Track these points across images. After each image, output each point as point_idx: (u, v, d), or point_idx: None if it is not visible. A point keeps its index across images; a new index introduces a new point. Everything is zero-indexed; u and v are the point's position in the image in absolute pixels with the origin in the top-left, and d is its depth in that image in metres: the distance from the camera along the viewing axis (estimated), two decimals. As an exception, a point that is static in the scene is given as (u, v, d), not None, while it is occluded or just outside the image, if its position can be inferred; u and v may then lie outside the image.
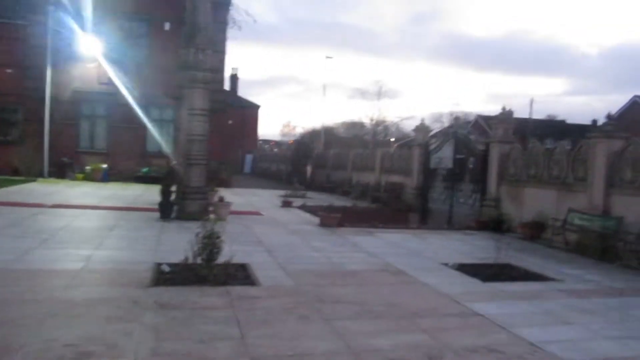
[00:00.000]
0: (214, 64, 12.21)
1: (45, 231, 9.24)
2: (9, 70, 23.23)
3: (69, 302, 5.27)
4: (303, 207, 16.37)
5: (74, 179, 22.96)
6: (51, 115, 23.44)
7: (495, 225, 12.57)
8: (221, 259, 6.83)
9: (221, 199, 12.57)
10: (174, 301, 5.55)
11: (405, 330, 5.06)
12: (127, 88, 23.08)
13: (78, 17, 22.80)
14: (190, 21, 12.08)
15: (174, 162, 24.99)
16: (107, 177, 23.43)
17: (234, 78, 58.56)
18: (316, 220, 12.82)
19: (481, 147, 14.26)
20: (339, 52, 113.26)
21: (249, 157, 51.66)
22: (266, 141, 71.73)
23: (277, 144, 62.10)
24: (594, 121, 53.72)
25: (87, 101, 24.19)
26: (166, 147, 24.90)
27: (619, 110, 46.14)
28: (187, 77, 12.04)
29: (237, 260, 7.38)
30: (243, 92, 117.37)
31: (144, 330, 4.61)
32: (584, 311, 6.04)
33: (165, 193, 12.01)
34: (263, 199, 19.05)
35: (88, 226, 10.27)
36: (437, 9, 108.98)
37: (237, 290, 6.18)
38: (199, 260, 6.79)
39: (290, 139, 66.16)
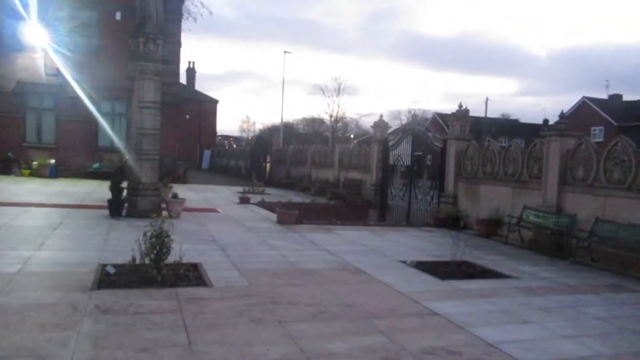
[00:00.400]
0: (165, 54, 11.70)
1: (-19, 230, 8.64)
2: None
3: (-1, 309, 4.84)
4: (261, 204, 16.05)
5: (20, 175, 21.85)
6: (-9, 109, 22.24)
7: (453, 222, 12.62)
8: (172, 258, 6.50)
9: (174, 196, 12.13)
10: (117, 306, 5.19)
11: (362, 332, 4.88)
12: (76, 80, 22.10)
13: (24, 4, 21.66)
14: (140, 9, 11.55)
15: (126, 157, 24.30)
16: (55, 172, 22.41)
17: (190, 72, 57.39)
18: (274, 217, 12.54)
19: (439, 144, 14.30)
20: (298, 48, 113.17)
21: (207, 153, 50.74)
22: (225, 137, 70.74)
23: (236, 139, 61.30)
24: (546, 121, 55.46)
25: (33, 93, 23.05)
26: (118, 141, 24.08)
27: (569, 110, 47.78)
28: (137, 68, 11.51)
29: (188, 259, 7.07)
30: (201, 86, 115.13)
31: (81, 339, 4.25)
32: (540, 309, 6.02)
33: (115, 190, 11.48)
34: (220, 196, 18.61)
35: (30, 225, 9.65)
36: (395, 7, 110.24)
37: (187, 292, 5.86)
38: (147, 261, 6.44)
39: (250, 135, 65.46)
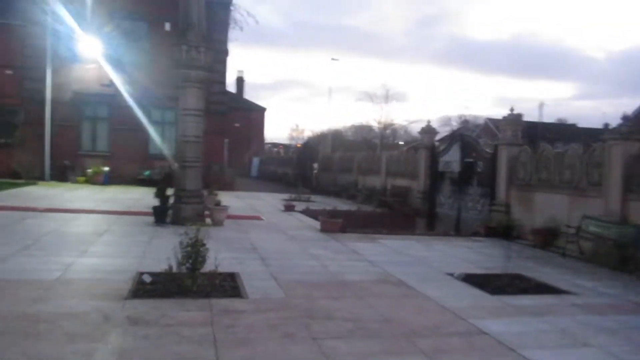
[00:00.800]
0: (208, 61, 11.71)
1: (31, 236, 8.80)
2: (9, 72, 22.97)
3: (32, 318, 4.79)
4: (305, 212, 15.85)
5: (75, 182, 22.62)
6: (52, 118, 23.15)
7: (505, 232, 11.98)
8: (208, 267, 6.35)
9: (217, 203, 12.08)
10: (148, 316, 5.05)
11: (402, 352, 4.53)
12: (128, 90, 22.75)
13: (78, 17, 22.49)
14: (182, 18, 11.63)
15: (175, 164, 24.74)
16: (108, 180, 23.09)
17: (239, 81, 58.34)
18: (317, 225, 12.29)
19: (489, 150, 13.66)
20: (346, 55, 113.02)
21: (255, 161, 51.26)
22: (275, 144, 71.36)
23: (285, 147, 61.60)
24: (606, 125, 52.73)
25: (88, 103, 23.86)
26: (168, 149, 24.57)
27: (633, 113, 45.25)
28: (179, 76, 11.57)
29: (226, 269, 6.93)
30: (250, 95, 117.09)
31: (107, 352, 4.11)
32: (602, 330, 5.46)
33: (160, 197, 11.55)
34: (265, 203, 18.56)
35: (77, 231, 9.82)
36: (444, 11, 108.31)
37: (221, 303, 5.67)
38: (183, 270, 6.31)
39: (298, 142, 65.68)
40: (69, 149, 23.33)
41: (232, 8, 29.38)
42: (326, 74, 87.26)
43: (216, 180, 24.57)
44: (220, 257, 7.82)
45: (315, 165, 31.03)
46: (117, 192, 19.58)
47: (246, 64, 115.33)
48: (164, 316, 5.10)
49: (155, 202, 11.58)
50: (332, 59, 42.64)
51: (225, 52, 25.26)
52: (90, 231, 9.85)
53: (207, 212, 11.91)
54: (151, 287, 6.13)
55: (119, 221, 11.39)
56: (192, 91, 11.59)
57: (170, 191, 11.75)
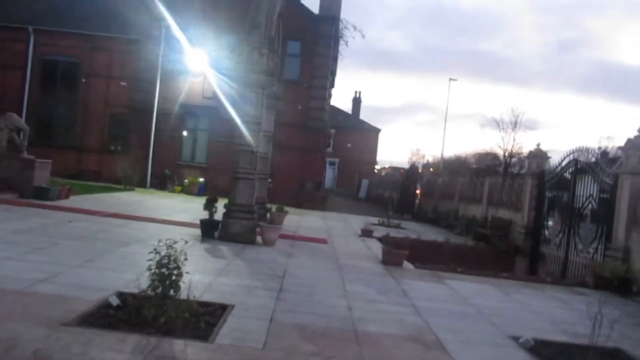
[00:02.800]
0: (271, 66, 10.70)
1: (52, 239, 8.25)
2: (123, 83, 24.26)
3: None
4: (382, 239, 14.13)
5: (173, 191, 23.07)
6: (157, 128, 23.97)
7: (621, 285, 9.34)
8: (210, 294, 5.15)
9: (270, 221, 10.91)
10: (60, 355, 3.91)
11: None
12: (228, 102, 22.81)
13: (187, 31, 23.12)
14: (249, 18, 10.77)
15: (269, 180, 24.23)
16: (203, 190, 23.21)
17: (356, 101, 57.92)
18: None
19: (608, 179, 10.95)
20: (476, 81, 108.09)
21: (365, 182, 50.01)
22: (396, 168, 69.49)
23: (395, 169, 59.68)
24: None
25: (191, 114, 24.38)
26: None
27: None
28: (239, 80, 10.72)
29: (224, 298, 5.75)
30: (376, 118, 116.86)
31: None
32: None
33: (209, 209, 10.70)
34: (346, 226, 17.12)
35: (108, 238, 9.16)
36: (586, 36, 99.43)
37: (170, 348, 4.38)
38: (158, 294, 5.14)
39: (402, 169, 62.93)
40: (170, 159, 23.92)
41: (340, 22, 28.83)
42: (455, 99, 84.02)
43: (308, 199, 23.83)
44: (229, 283, 6.62)
45: (418, 190, 28.96)
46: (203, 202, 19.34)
47: (374, 87, 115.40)
48: (81, 355, 3.93)
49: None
50: (450, 79, 40.05)
51: (325, 67, 24.49)
52: (123, 240, 9.15)
53: (258, 229, 10.81)
54: (111, 313, 5.03)
55: (167, 232, 10.68)
56: (251, 97, 10.64)
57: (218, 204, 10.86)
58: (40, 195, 13.42)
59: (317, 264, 9.06)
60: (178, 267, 5.17)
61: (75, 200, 14.47)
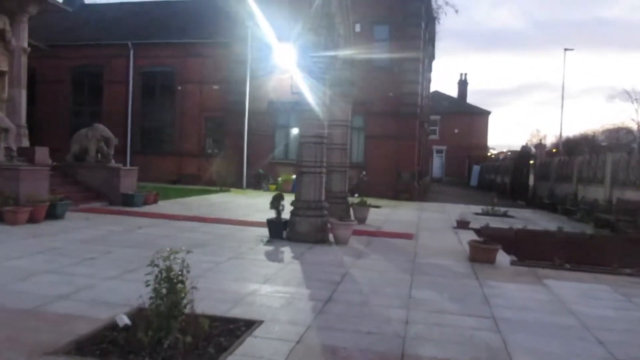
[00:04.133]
0: (330, 47, 9.65)
1: (109, 247, 7.98)
2: (215, 87, 24.62)
3: None
4: (480, 231, 12.52)
5: (267, 189, 22.95)
6: (249, 128, 24.01)
7: None
8: (241, 308, 4.38)
9: (341, 218, 9.90)
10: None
11: None
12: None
13: (273, 28, 22.81)
14: (306, -2, 9.83)
15: (364, 173, 23.28)
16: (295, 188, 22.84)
17: (462, 84, 54.81)
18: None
19: None
20: (599, 51, 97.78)
21: (476, 169, 46.94)
22: (515, 152, 64.50)
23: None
24: None
25: (281, 112, 24.09)
26: (357, 157, 23.30)
27: None
28: (299, 66, 9.85)
29: (257, 312, 4.94)
30: (491, 102, 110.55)
31: None
32: None
33: (276, 208, 9.97)
34: (442, 217, 15.58)
35: (167, 244, 8.68)
36: None
37: (153, 382, 3.59)
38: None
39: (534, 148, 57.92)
40: (264, 158, 23.82)
41: (433, 1, 26.99)
42: (575, 74, 76.21)
43: (405, 190, 22.46)
44: (272, 292, 5.80)
45: (532, 174, 26.19)
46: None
47: (486, 69, 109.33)
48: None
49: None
50: (565, 49, 35.93)
51: (416, 49, 22.84)
52: (181, 245, 8.67)
53: (329, 226, 9.87)
54: (113, 336, 4.38)
55: (236, 234, 10.16)
56: (310, 83, 9.71)
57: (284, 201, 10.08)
58: (126, 202, 13.68)
59: (388, 265, 7.90)
60: (181, 281, 4.37)
61: (161, 206, 14.61)
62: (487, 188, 39.58)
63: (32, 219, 10.03)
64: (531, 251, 12.27)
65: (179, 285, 4.35)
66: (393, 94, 22.69)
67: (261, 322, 4.90)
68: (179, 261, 4.43)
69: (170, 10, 28.09)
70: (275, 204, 9.97)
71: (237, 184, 23.35)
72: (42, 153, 14.40)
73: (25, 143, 14.57)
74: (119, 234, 9.33)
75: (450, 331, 4.90)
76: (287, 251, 8.60)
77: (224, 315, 5.04)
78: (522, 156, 27.67)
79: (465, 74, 55.11)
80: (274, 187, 23.17)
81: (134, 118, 25.68)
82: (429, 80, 33.47)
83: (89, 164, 14.16)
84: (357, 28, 22.92)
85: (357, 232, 10.98)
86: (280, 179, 23.24)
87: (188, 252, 4.53)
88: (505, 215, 16.89)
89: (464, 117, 50.54)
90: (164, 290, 4.32)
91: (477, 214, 17.20)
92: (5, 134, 10.74)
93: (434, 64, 36.68)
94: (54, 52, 25.46)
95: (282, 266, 7.39)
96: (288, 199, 10.10)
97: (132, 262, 7.15)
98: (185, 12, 27.16)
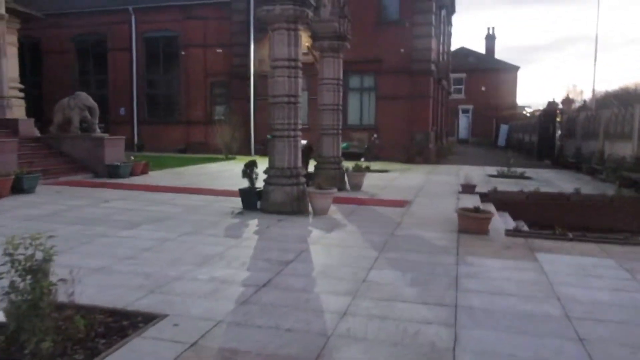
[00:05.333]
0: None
1: (54, 224, 7.27)
2: (218, 50, 23.61)
3: None
4: (490, 195, 11.43)
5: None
6: (255, 93, 23.04)
7: None
8: (157, 297, 3.62)
9: (319, 185, 8.94)
10: None
11: None
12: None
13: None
14: None
15: (375, 136, 22.11)
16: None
17: (490, 39, 52.08)
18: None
19: None
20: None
21: (503, 128, 44.87)
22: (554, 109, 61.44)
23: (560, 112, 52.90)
24: None
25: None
26: (367, 119, 22.17)
27: None
28: (261, 17, 8.77)
29: (169, 303, 4.12)
30: (524, 58, 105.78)
31: None
32: None
33: (248, 176, 9.11)
34: (451, 181, 14.43)
35: (122, 219, 7.92)
36: None
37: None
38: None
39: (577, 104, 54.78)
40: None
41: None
42: (619, 25, 71.17)
43: (419, 153, 21.25)
44: (204, 276, 5.01)
45: (558, 132, 24.49)
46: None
47: (516, 24, 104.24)
48: None
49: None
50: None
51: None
52: (136, 220, 7.90)
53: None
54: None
55: (211, 206, 9.37)
56: (279, 37, 8.63)
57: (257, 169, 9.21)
58: (112, 173, 13.04)
59: (358, 239, 6.95)
60: (45, 275, 3.56)
61: (151, 176, 13.96)
62: (515, 148, 37.80)
63: (-6, 195, 9.47)
64: (542, 217, 11.15)
65: (39, 275, 3.53)
66: (405, 50, 21.23)
67: (165, 316, 4.09)
68: (45, 248, 3.58)
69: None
70: (248, 172, 9.12)
71: (244, 151, 22.53)
72: (25, 124, 13.88)
73: (12, 114, 14.02)
74: (77, 210, 8.64)
75: (392, 327, 3.97)
76: (252, 224, 7.75)
77: (125, 308, 4.24)
78: (548, 113, 25.85)
79: (493, 28, 52.52)
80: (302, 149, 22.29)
81: (139, 86, 25.02)
82: (449, 35, 31.54)
83: (73, 135, 13.54)
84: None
85: (343, 200, 10.08)
86: (288, 144, 22.31)
87: (50, 236, 3.65)
88: (521, 176, 15.64)
89: (492, 73, 48.10)
90: (22, 285, 3.52)
91: (491, 175, 16.00)
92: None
93: (456, 18, 34.57)
94: (57, 22, 24.88)
95: (236, 243, 6.54)
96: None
97: (67, 241, 6.41)
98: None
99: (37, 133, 13.89)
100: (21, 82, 21.45)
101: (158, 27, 24.57)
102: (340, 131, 12.41)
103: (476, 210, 7.48)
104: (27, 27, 22.42)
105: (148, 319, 4.06)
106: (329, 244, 6.57)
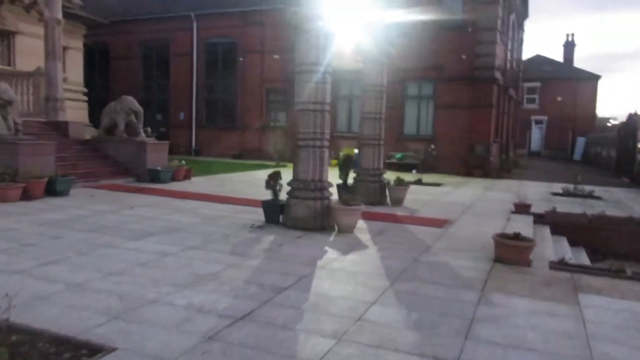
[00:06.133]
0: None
1: (60, 231, 7.07)
2: (275, 56, 23.45)
3: None
4: (546, 217, 10.26)
5: (330, 165, 21.56)
6: (310, 98, 22.64)
7: None
8: (108, 326, 3.27)
9: (346, 202, 8.23)
10: None
11: None
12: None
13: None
14: None
15: (432, 147, 21.07)
16: (357, 163, 21.19)
17: (568, 46, 48.97)
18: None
19: None
20: None
21: (580, 141, 42.00)
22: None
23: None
24: None
25: (343, 81, 22.42)
26: (425, 128, 21.18)
27: None
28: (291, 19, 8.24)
29: (122, 334, 3.68)
30: (603, 67, 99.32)
31: None
32: None
33: (272, 188, 8.59)
34: (506, 198, 13.22)
35: (135, 229, 7.63)
36: None
37: None
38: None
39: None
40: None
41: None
42: None
43: (480, 166, 19.98)
44: (182, 301, 4.51)
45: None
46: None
47: (598, 32, 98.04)
48: None
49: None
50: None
51: (494, 3, 19.92)
52: (149, 230, 7.58)
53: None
54: None
55: (233, 217, 8.94)
56: (301, 38, 8.09)
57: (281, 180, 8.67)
58: (153, 178, 12.99)
59: (376, 264, 6.20)
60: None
61: (192, 182, 13.81)
62: (592, 163, 35.21)
63: (27, 196, 9.52)
64: (607, 244, 9.91)
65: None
66: (466, 57, 20.08)
67: (112, 350, 3.60)
68: None
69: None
70: (271, 183, 8.60)
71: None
72: (75, 127, 14.16)
73: (63, 117, 14.38)
74: (97, 215, 8.46)
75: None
76: (266, 241, 7.20)
77: (76, 336, 3.79)
78: (628, 125, 23.62)
79: (572, 35, 49.23)
80: (335, 161, 21.71)
81: (198, 91, 25.37)
82: (520, 42, 29.78)
83: (118, 138, 13.64)
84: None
85: (377, 217, 9.35)
86: (341, 153, 21.69)
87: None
88: (590, 195, 14.14)
89: (569, 83, 45.16)
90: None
91: (555, 194, 14.62)
92: (9, 107, 10.29)
93: (531, 25, 32.65)
94: (125, 28, 25.76)
95: (237, 262, 6.01)
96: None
97: (65, 250, 6.14)
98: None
99: (86, 136, 14.12)
100: (90, 86, 22.34)
101: (218, 33, 24.81)
102: (382, 142, 11.68)
103: (516, 236, 6.52)
104: (97, 33, 23.36)
105: (93, 351, 3.59)
106: (338, 269, 5.89)
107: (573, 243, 9.57)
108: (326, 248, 6.91)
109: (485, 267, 6.18)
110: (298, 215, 7.97)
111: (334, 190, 10.82)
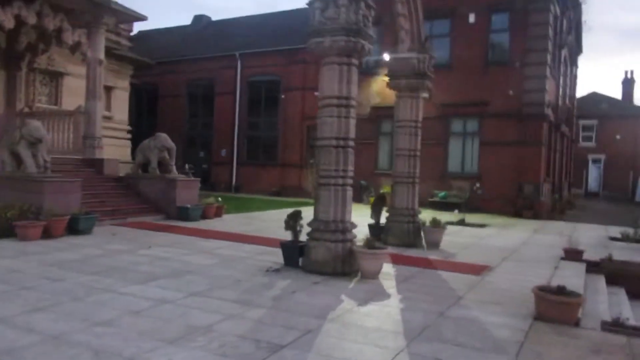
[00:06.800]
0: (352, 21, 7.39)
1: (73, 271, 6.73)
2: (316, 94, 23.23)
3: None
4: (600, 266, 9.18)
5: (368, 202, 20.89)
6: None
7: None
8: None
9: (370, 245, 7.52)
10: None
11: None
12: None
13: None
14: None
15: (477, 185, 20.04)
16: (437, 203, 20.47)
17: (627, 83, 46.74)
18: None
19: None
20: None
21: (643, 182, 39.40)
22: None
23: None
24: None
25: (385, 118, 21.85)
26: (470, 166, 20.24)
27: None
28: (311, 50, 7.84)
29: None
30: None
31: None
32: None
33: (292, 229, 8.03)
34: (556, 242, 12.10)
35: (144, 271, 7.21)
36: None
37: None
38: None
39: None
40: (367, 168, 21.79)
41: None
42: None
43: (528, 207, 18.76)
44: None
45: None
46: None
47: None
48: None
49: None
50: None
51: (544, 37, 19.08)
52: (157, 273, 7.14)
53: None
54: None
55: (252, 258, 8.42)
56: (329, 72, 7.61)
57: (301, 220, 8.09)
58: (181, 216, 12.74)
59: (396, 318, 5.45)
60: None
61: (223, 220, 13.48)
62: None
63: (48, 234, 9.36)
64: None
65: None
66: (514, 92, 19.19)
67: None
68: None
69: (277, 20, 27.71)
70: (291, 223, 8.04)
71: (337, 197, 21.58)
72: (110, 164, 14.21)
73: (100, 154, 14.48)
74: (110, 256, 8.12)
75: None
76: (279, 287, 6.59)
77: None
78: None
79: (632, 72, 47.02)
80: (373, 199, 21.04)
81: (240, 128, 25.51)
82: (574, 77, 28.52)
83: (150, 175, 13.55)
84: (471, 18, 20.07)
85: (408, 261, 8.62)
86: (382, 191, 21.01)
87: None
88: (652, 242, 12.77)
89: (629, 120, 42.85)
90: None
91: (613, 238, 13.36)
92: (40, 144, 10.32)
93: (588, 62, 31.42)
94: (172, 68, 26.47)
95: (239, 312, 5.43)
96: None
97: (60, 295, 5.76)
98: (291, 20, 26.44)
99: (118, 173, 14.14)
100: (138, 124, 22.86)
101: (261, 71, 25.03)
102: (417, 180, 10.97)
103: (560, 290, 5.63)
104: (147, 74, 24.04)
105: None
106: (350, 323, 5.20)
107: (633, 297, 8.43)
108: (343, 297, 6.23)
109: (523, 327, 5.32)
110: (318, 258, 7.36)
111: (365, 231, 10.21)
